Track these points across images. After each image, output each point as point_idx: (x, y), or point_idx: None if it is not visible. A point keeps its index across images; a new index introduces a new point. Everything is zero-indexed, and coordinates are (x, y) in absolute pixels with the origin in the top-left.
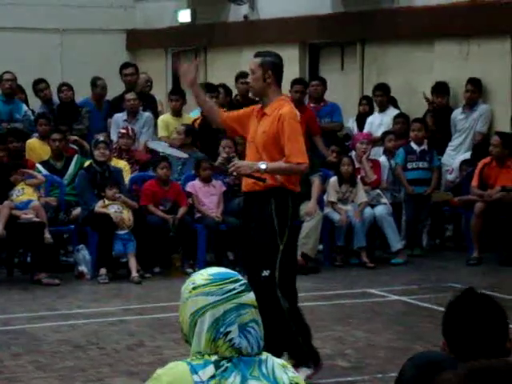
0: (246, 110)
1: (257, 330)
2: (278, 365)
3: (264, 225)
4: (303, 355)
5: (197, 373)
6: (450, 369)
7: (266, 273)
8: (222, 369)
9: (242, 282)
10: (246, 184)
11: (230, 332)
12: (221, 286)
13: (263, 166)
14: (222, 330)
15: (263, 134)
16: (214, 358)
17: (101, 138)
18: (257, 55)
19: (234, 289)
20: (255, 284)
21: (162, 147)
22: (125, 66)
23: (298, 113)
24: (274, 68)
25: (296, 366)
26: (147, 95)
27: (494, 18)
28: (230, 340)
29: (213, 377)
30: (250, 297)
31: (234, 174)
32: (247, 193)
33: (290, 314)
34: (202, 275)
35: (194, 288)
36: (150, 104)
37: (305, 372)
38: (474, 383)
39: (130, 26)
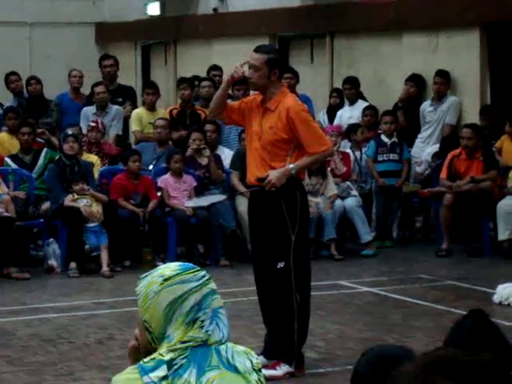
0: (247, 100)
1: (225, 317)
2: (239, 351)
3: (274, 218)
4: (291, 354)
5: (147, 374)
6: (405, 361)
7: (281, 264)
8: (176, 367)
9: (205, 272)
10: (253, 177)
11: (206, 313)
12: (194, 274)
13: (293, 171)
14: (200, 313)
15: (270, 130)
16: (168, 356)
17: (69, 131)
18: (260, 51)
19: (204, 275)
20: (271, 276)
21: (203, 201)
22: (104, 57)
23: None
24: (279, 65)
25: (278, 361)
26: (127, 88)
27: (462, 9)
28: (202, 321)
29: (165, 377)
30: (215, 285)
31: (272, 189)
32: (254, 186)
33: (299, 309)
34: (169, 267)
35: (165, 279)
36: (129, 96)
37: (285, 369)
38: (434, 374)
39: (99, 19)
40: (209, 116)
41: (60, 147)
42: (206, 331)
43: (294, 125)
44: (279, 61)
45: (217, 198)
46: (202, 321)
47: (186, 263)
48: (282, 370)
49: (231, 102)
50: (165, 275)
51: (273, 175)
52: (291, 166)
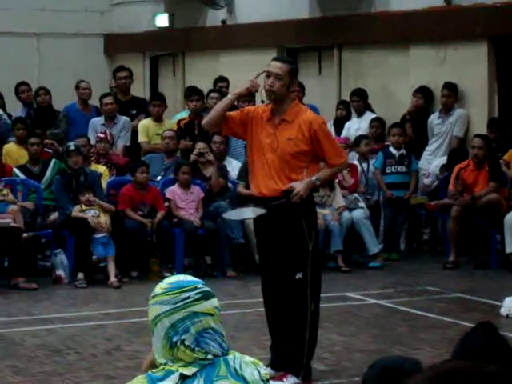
0: (248, 110)
1: (214, 334)
2: (248, 362)
3: (292, 229)
4: (299, 365)
5: None
6: (412, 373)
7: (299, 275)
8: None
9: (199, 291)
10: (267, 189)
11: (185, 339)
12: (175, 296)
13: (318, 182)
14: (175, 338)
15: (290, 142)
16: (180, 370)
17: (71, 146)
18: (282, 61)
19: (188, 297)
20: (287, 287)
21: (243, 213)
22: (119, 69)
23: None
24: (297, 77)
25: (285, 373)
26: (140, 99)
27: (470, 22)
28: (188, 346)
29: None
30: (206, 305)
31: (298, 201)
32: (267, 198)
33: (312, 318)
34: (162, 284)
35: (153, 296)
36: (143, 108)
37: (292, 380)
38: None
39: (108, 30)
40: (203, 126)
41: (64, 159)
42: (203, 351)
43: (316, 137)
44: (297, 73)
45: (256, 211)
46: (188, 346)
47: (186, 279)
48: (289, 381)
49: (229, 112)
50: (155, 292)
51: (300, 187)
52: (314, 177)
